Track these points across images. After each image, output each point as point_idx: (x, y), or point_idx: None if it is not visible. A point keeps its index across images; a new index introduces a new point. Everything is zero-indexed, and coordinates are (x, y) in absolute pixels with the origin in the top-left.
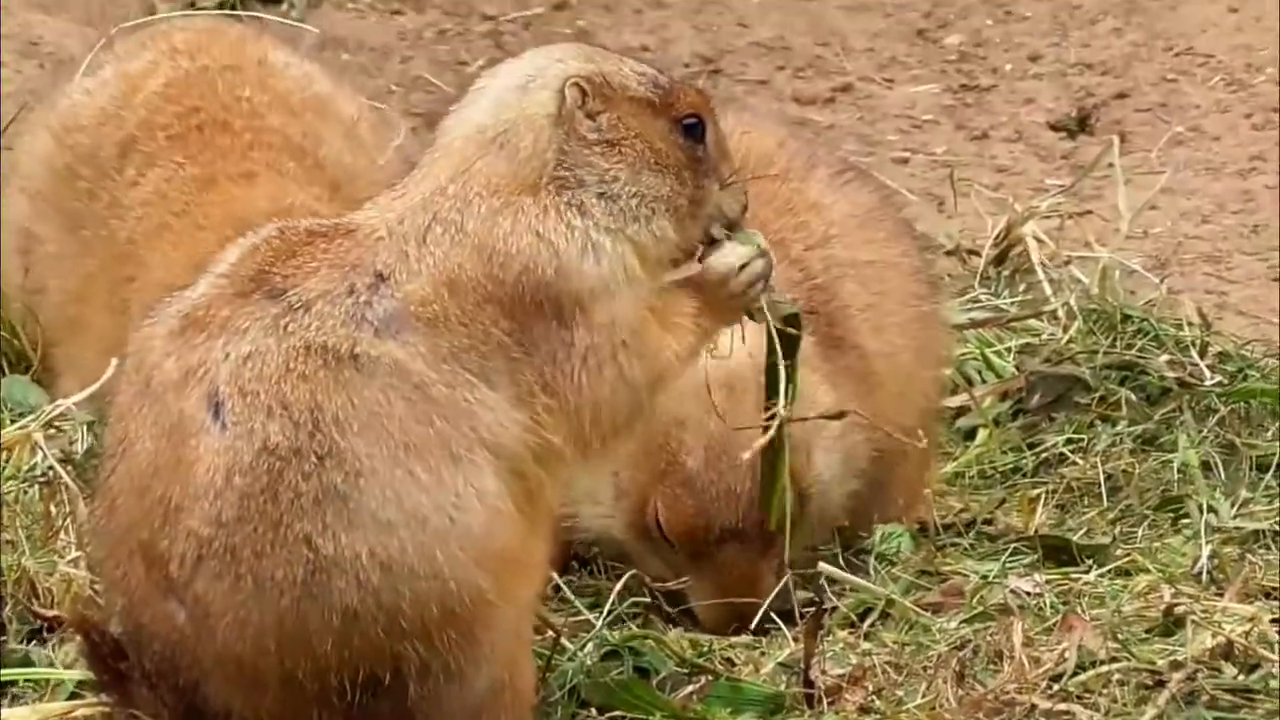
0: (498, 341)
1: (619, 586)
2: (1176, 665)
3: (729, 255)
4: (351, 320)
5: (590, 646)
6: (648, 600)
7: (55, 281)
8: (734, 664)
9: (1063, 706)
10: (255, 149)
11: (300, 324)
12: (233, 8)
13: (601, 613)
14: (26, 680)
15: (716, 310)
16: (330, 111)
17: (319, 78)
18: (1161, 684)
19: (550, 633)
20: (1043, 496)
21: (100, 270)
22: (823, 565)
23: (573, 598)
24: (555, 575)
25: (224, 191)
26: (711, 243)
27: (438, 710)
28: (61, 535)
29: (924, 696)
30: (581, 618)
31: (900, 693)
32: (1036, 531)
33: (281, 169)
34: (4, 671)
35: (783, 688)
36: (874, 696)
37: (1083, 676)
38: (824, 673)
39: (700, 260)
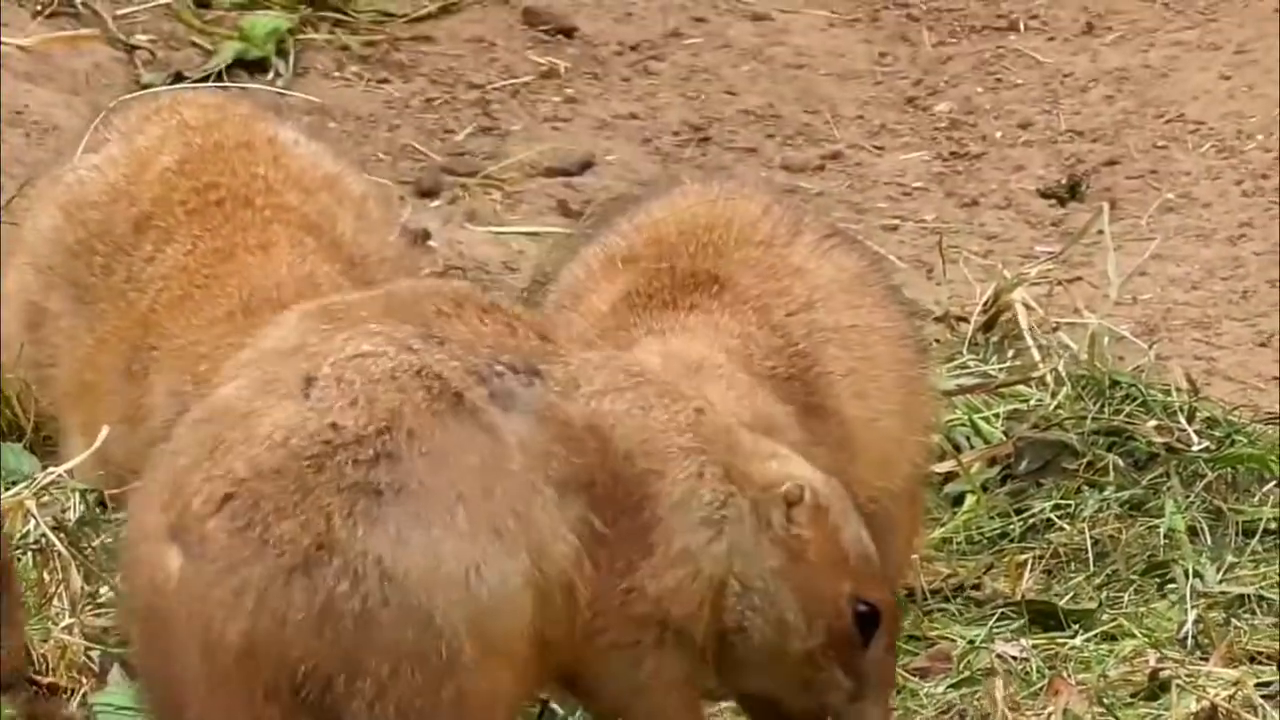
0: (584, 505)
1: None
2: None
3: None
4: (477, 375)
5: None
6: None
7: (69, 352)
8: None
9: None
10: (275, 224)
11: (428, 350)
12: (219, 78)
13: None
14: None
15: None
16: (341, 189)
17: (327, 156)
18: None
19: None
20: (1030, 562)
21: (118, 339)
22: None
23: None
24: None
25: (242, 262)
26: None
27: None
28: (55, 602)
29: None
30: None
31: None
32: (1023, 597)
33: (302, 244)
34: None
35: None
36: None
37: None
38: None
39: None
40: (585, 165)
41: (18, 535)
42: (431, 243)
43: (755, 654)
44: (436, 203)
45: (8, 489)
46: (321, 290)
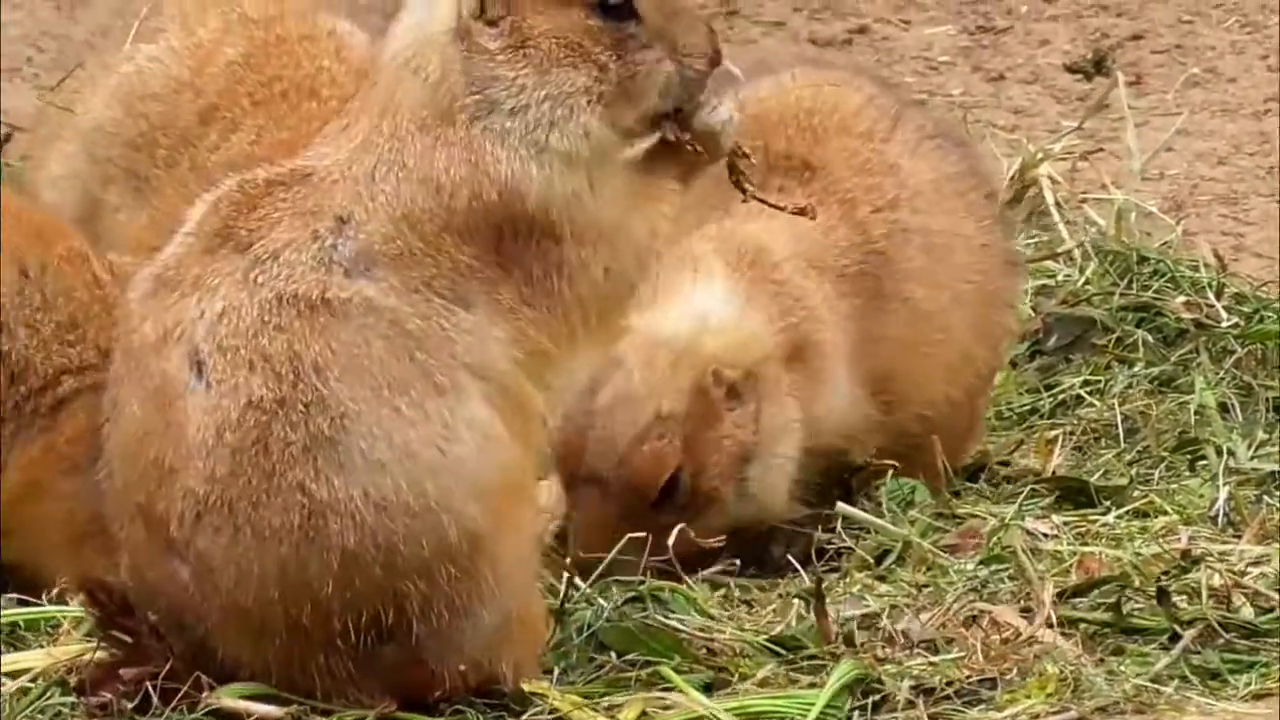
0: (465, 266)
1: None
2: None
3: (720, 112)
4: (320, 265)
5: (615, 592)
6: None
7: (125, 244)
8: (752, 606)
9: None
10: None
11: (270, 275)
12: None
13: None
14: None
15: (696, 164)
16: None
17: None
18: (1178, 623)
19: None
20: (1060, 438)
21: None
22: (840, 506)
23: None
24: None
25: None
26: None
27: (447, 648)
28: None
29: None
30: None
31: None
32: (1053, 473)
33: None
34: (13, 613)
35: (800, 626)
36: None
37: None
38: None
39: (683, 119)
40: None
41: None
42: None
43: None
44: None
45: None
46: None
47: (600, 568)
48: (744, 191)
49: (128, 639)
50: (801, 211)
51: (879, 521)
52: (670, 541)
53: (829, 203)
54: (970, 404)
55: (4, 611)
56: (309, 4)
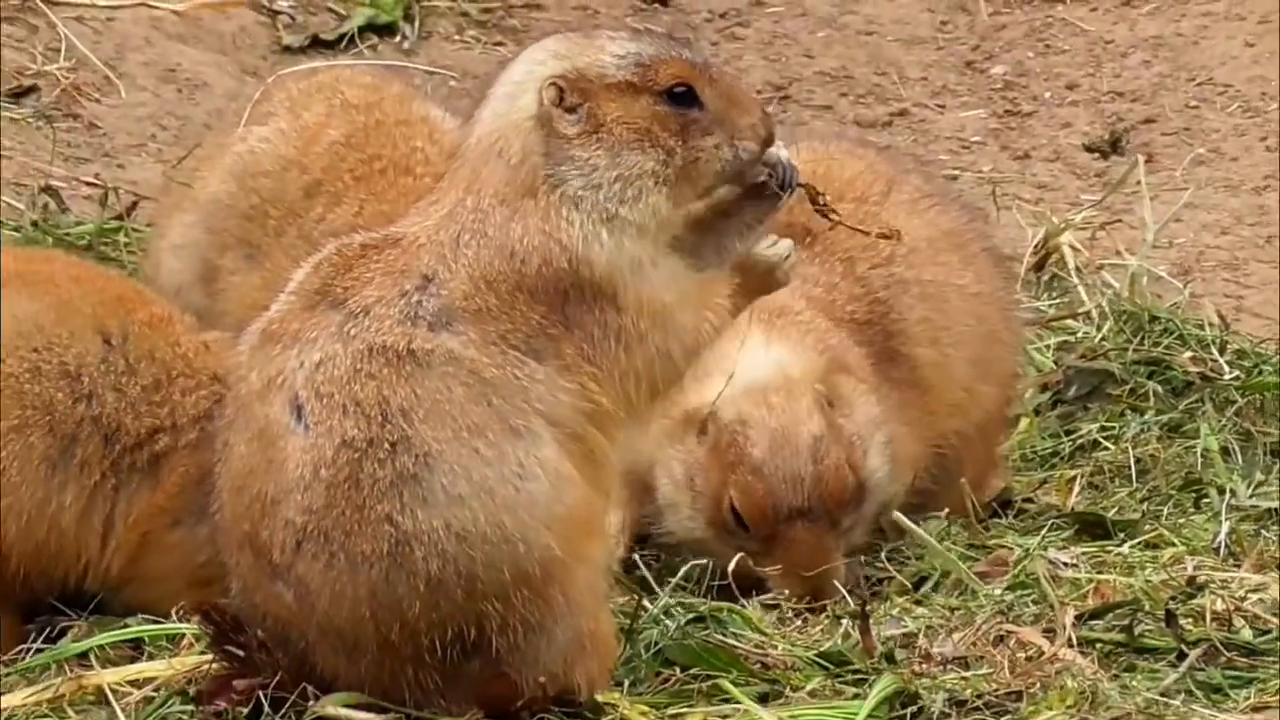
0: (536, 323)
1: (684, 569)
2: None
3: (779, 248)
4: (406, 319)
5: (679, 612)
6: (723, 582)
7: (239, 301)
8: (803, 626)
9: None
10: None
11: (362, 328)
12: (350, 40)
13: (671, 588)
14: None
15: (753, 289)
16: None
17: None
18: (1185, 643)
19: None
20: (1078, 478)
21: None
22: (895, 515)
23: (645, 572)
24: (626, 548)
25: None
26: (754, 184)
27: (525, 662)
28: None
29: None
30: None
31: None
32: (1073, 509)
33: None
34: (139, 629)
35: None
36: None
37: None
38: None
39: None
40: None
41: None
42: None
43: None
44: None
45: None
46: None
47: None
48: (829, 218)
49: (239, 653)
50: (886, 236)
51: (924, 535)
52: (730, 568)
53: (831, 261)
54: (984, 439)
55: (131, 628)
56: (405, 92)
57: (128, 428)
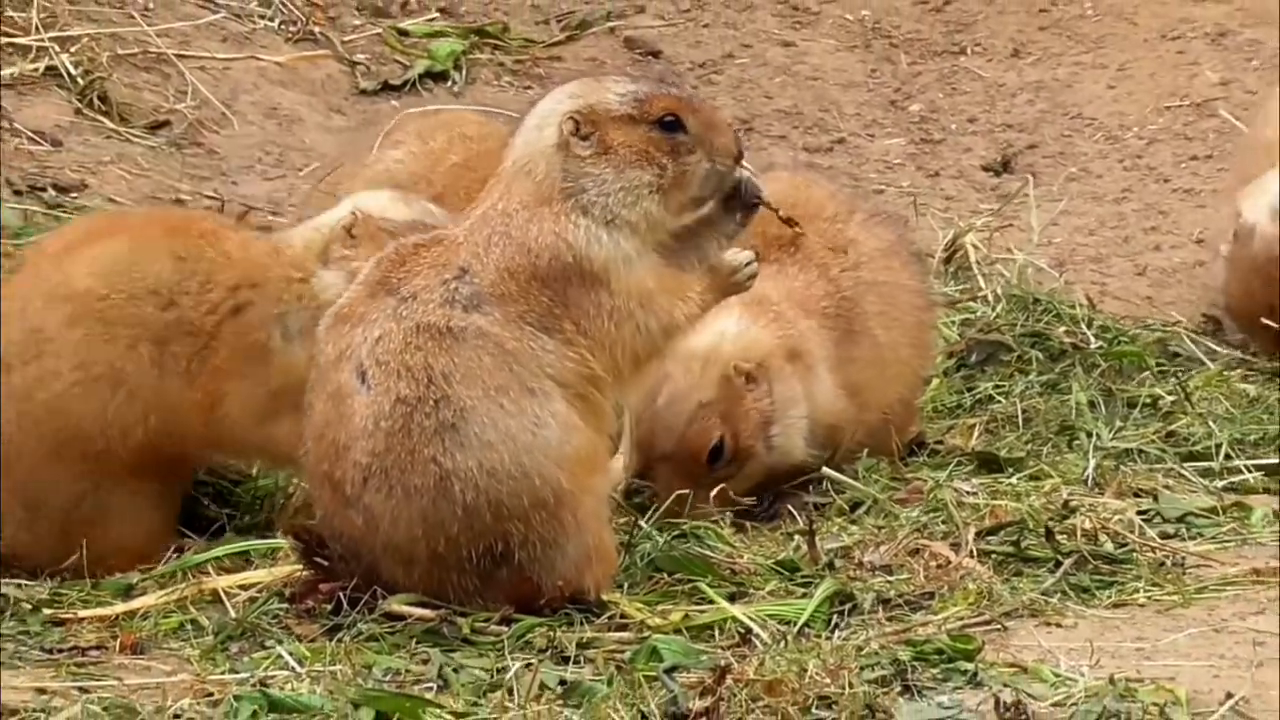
0: (546, 304)
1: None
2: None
3: (741, 257)
4: (446, 303)
5: (666, 531)
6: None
7: None
8: (763, 541)
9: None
10: None
11: (411, 310)
12: (413, 85)
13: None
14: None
15: (721, 289)
16: None
17: None
18: (1060, 554)
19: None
20: (977, 425)
21: None
22: (826, 470)
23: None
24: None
25: None
26: (728, 197)
27: (544, 569)
28: None
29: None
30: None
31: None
32: (973, 449)
33: None
34: (245, 543)
35: (796, 555)
36: (858, 565)
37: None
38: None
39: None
40: None
41: None
42: None
43: None
44: None
45: None
46: None
47: (656, 514)
48: (791, 226)
49: (324, 563)
50: (790, 222)
51: (852, 482)
52: (712, 495)
53: (809, 266)
54: (913, 399)
55: (240, 543)
56: (509, 129)
57: (197, 318)
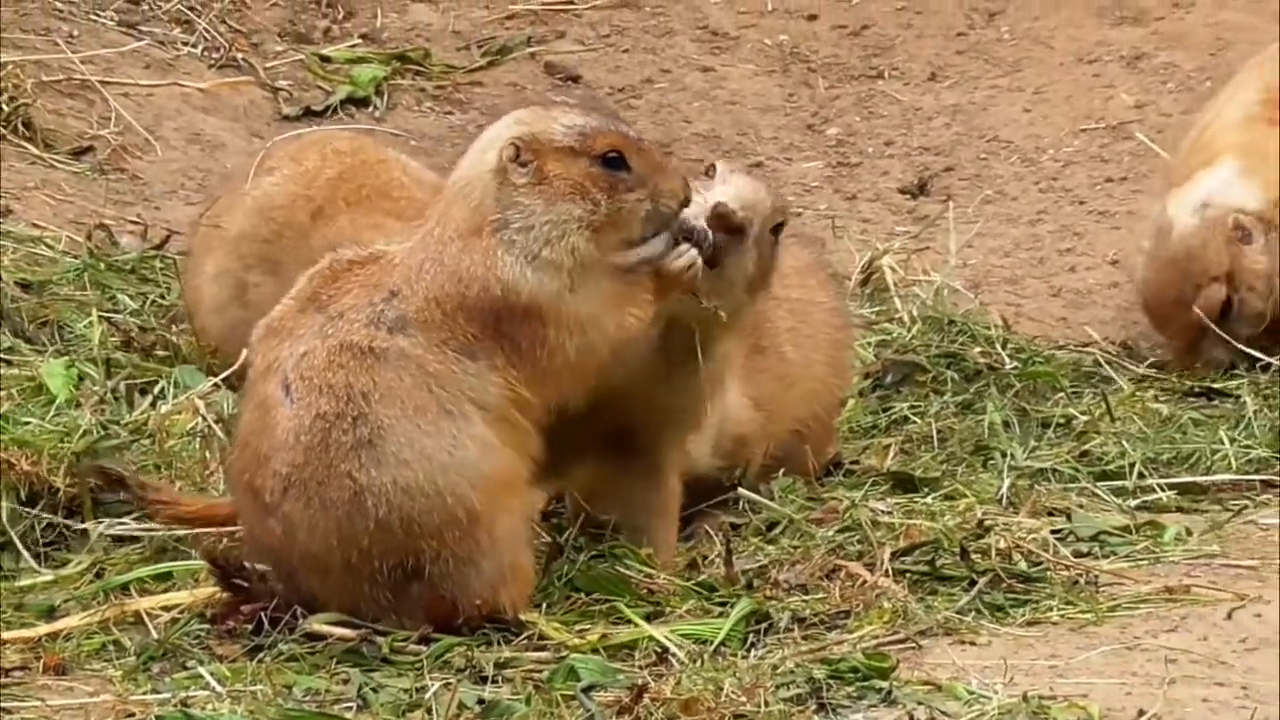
0: (472, 334)
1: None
2: (982, 571)
3: (686, 257)
4: (371, 323)
5: (584, 548)
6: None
7: (264, 309)
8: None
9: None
10: (409, 211)
11: (337, 328)
12: (335, 110)
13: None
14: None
15: (669, 287)
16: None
17: (425, 170)
18: (975, 573)
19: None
20: (893, 445)
21: None
22: (741, 490)
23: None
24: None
25: (385, 227)
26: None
27: (458, 586)
28: (213, 478)
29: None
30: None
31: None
32: (888, 469)
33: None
34: (167, 565)
35: (713, 575)
36: (774, 584)
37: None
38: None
39: (665, 256)
40: None
41: (188, 427)
42: None
43: None
44: None
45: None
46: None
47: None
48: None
49: (243, 585)
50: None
51: (769, 503)
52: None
53: None
54: (829, 419)
55: (159, 565)
56: (376, 142)
57: None
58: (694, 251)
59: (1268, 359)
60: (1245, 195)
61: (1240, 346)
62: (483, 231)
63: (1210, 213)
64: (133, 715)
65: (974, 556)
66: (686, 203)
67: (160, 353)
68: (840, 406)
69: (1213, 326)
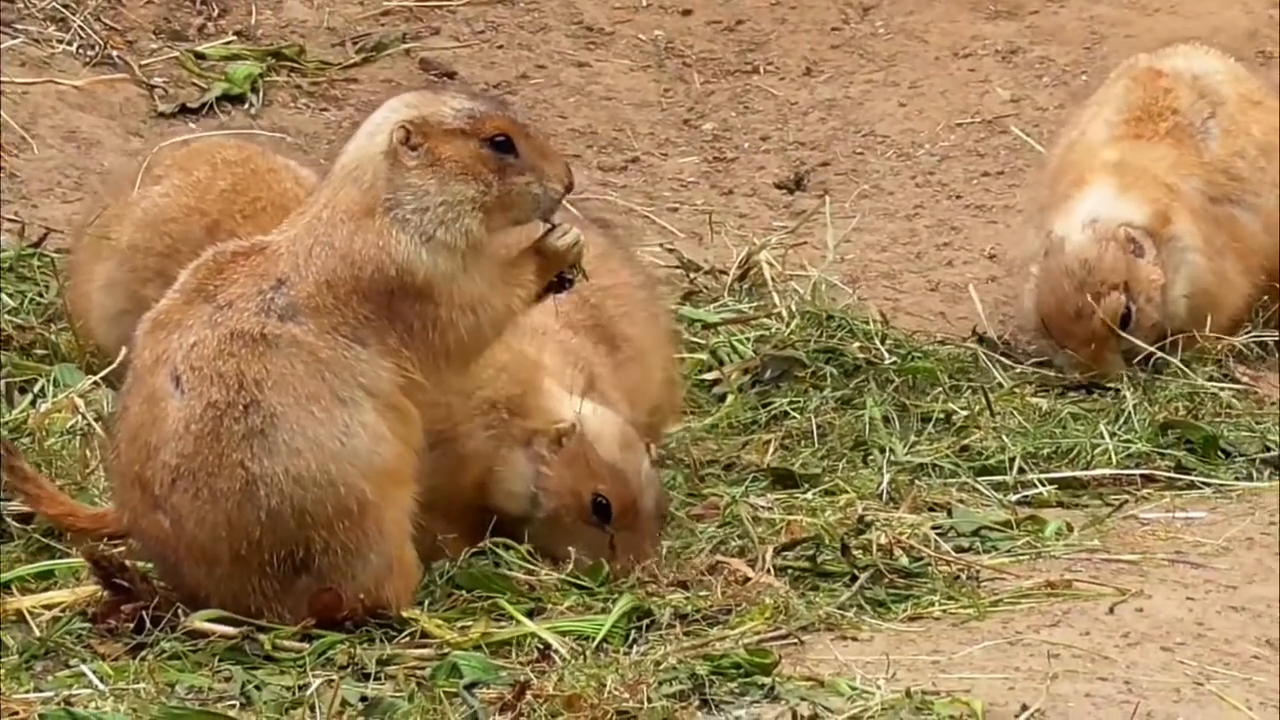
0: (364, 318)
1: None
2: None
3: (568, 236)
4: (261, 311)
5: (465, 548)
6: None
7: None
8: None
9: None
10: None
11: (226, 317)
12: (210, 108)
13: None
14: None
15: (552, 266)
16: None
17: (312, 175)
18: (856, 568)
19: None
20: (773, 440)
21: None
22: None
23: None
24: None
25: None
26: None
27: (345, 579)
28: (93, 476)
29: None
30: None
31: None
32: (769, 465)
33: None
34: (47, 563)
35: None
36: (654, 581)
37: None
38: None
39: (547, 235)
40: None
41: (67, 425)
42: None
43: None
44: None
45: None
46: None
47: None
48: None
49: (124, 585)
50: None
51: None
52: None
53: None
54: (669, 386)
55: (40, 563)
56: (263, 148)
57: None
58: (576, 230)
59: (1150, 348)
60: (1130, 209)
61: (1149, 347)
62: (375, 213)
63: (1100, 226)
64: (16, 714)
65: (855, 552)
66: (571, 188)
67: (39, 351)
68: (680, 374)
69: (1118, 332)
